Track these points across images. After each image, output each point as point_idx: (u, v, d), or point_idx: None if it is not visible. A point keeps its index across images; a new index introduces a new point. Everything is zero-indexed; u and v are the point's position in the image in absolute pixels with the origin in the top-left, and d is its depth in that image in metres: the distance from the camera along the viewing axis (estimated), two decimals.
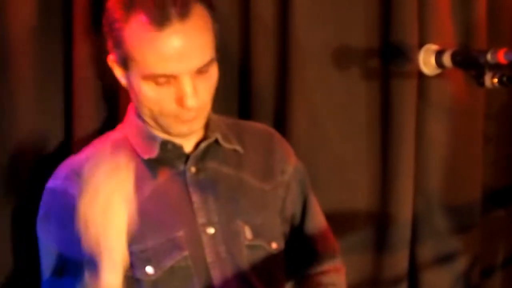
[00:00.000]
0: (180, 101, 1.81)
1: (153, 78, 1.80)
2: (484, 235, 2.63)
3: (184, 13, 1.77)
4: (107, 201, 1.63)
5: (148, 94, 1.83)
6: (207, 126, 1.94)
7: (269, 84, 2.37)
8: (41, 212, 1.90)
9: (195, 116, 1.86)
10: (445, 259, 2.56)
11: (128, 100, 2.11)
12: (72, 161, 1.92)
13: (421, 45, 2.17)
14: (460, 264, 2.57)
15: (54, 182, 1.90)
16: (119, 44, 1.82)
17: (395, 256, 2.50)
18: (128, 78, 1.86)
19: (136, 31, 1.79)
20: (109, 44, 1.87)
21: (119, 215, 1.64)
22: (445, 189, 2.55)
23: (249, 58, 2.34)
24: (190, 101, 1.80)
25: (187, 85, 1.80)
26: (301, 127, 2.35)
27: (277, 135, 2.09)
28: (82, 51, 2.18)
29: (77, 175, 1.85)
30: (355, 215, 2.48)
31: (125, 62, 1.84)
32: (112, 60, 1.88)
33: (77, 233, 1.71)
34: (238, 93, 2.36)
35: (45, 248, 1.88)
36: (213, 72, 1.86)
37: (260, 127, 2.10)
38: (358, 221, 2.48)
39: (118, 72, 1.89)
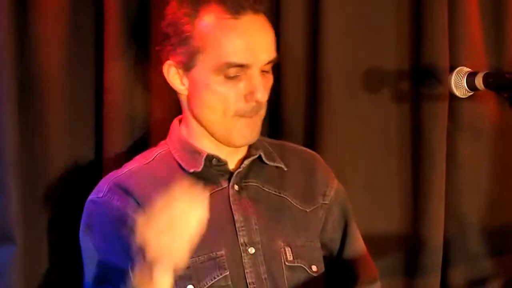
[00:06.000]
0: (248, 96, 1.84)
1: (225, 70, 1.83)
2: None
3: (256, 6, 1.86)
4: (184, 212, 1.59)
5: (216, 89, 1.85)
6: (250, 144, 1.95)
7: (300, 106, 2.38)
8: (83, 223, 1.91)
9: (257, 117, 1.89)
10: (477, 283, 2.54)
11: (158, 122, 2.13)
12: (115, 175, 1.93)
13: (452, 67, 2.17)
14: None
15: (96, 195, 1.91)
16: (186, 40, 1.86)
17: (426, 280, 2.48)
18: (191, 77, 1.88)
19: (210, 21, 1.84)
20: (169, 47, 1.89)
21: (190, 227, 1.61)
22: (477, 212, 2.53)
23: (279, 81, 2.34)
24: (260, 94, 1.85)
25: (258, 78, 1.85)
26: (331, 150, 2.34)
27: (319, 158, 2.10)
28: (112, 74, 2.20)
29: (120, 188, 1.87)
30: (386, 238, 2.46)
31: (192, 59, 1.86)
32: (170, 65, 1.90)
33: (120, 242, 1.75)
34: (268, 117, 2.35)
35: (88, 258, 1.89)
36: (271, 77, 1.92)
37: (303, 149, 2.12)
38: (389, 245, 2.47)
39: (175, 77, 1.91)
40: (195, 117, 1.92)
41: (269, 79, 1.91)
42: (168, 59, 1.90)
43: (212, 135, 1.91)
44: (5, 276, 2.15)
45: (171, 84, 1.93)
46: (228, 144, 1.91)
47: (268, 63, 1.88)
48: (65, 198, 2.21)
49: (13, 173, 2.13)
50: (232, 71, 1.84)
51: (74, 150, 2.23)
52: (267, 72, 1.89)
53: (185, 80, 1.90)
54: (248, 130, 1.88)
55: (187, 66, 1.88)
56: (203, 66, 1.86)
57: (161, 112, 2.21)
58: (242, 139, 1.89)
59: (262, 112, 1.91)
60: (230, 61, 1.83)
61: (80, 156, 2.24)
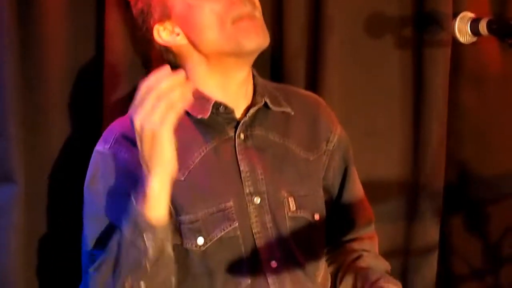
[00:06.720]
0: None
1: None
2: None
3: None
4: (163, 112, 1.60)
5: (200, 4, 1.84)
6: (254, 91, 1.95)
7: (302, 52, 2.37)
8: (89, 175, 1.90)
9: (257, 20, 1.87)
10: (476, 228, 2.56)
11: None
12: (120, 124, 1.92)
13: (455, 13, 2.16)
14: (492, 234, 2.57)
15: (103, 146, 1.90)
16: None
17: (426, 226, 2.51)
18: (177, 19, 1.88)
19: None
20: (148, 19, 1.91)
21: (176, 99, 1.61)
22: (478, 158, 2.55)
23: (281, 26, 2.34)
24: None
25: None
26: (333, 95, 2.34)
27: (323, 103, 2.09)
28: (113, 20, 2.19)
29: (127, 139, 1.85)
30: (387, 183, 2.48)
31: (165, 5, 1.88)
32: (157, 29, 1.90)
33: (125, 196, 1.73)
34: (270, 63, 2.36)
35: (90, 214, 1.87)
36: None
37: (307, 94, 2.12)
38: (390, 190, 2.49)
39: (168, 34, 1.91)
40: (204, 52, 1.89)
41: None
42: (153, 27, 1.91)
43: (226, 56, 1.88)
44: (6, 216, 2.16)
45: (170, 45, 1.92)
46: (241, 52, 1.87)
47: None
48: (65, 139, 2.22)
49: (14, 114, 2.13)
50: None
51: (75, 95, 2.23)
52: None
53: (176, 28, 1.90)
54: (253, 32, 1.85)
55: (166, 14, 1.89)
56: (179, 2, 1.87)
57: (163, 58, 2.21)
58: (251, 42, 1.86)
59: (259, 15, 1.89)
60: None
61: (81, 101, 2.24)
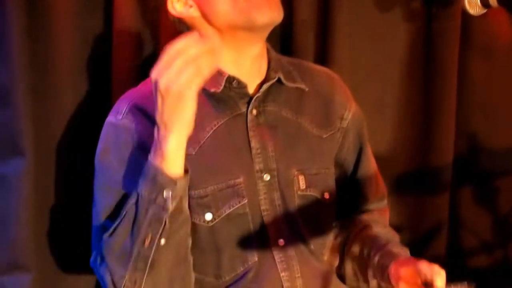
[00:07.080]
0: None
1: None
2: None
3: None
4: (191, 75, 1.62)
5: None
6: (268, 66, 1.94)
7: (311, 25, 2.37)
8: (100, 146, 1.89)
9: None
10: (485, 201, 2.56)
11: (168, 36, 2.13)
12: (133, 95, 1.90)
13: None
14: (501, 207, 2.56)
15: (115, 117, 1.88)
16: None
17: (436, 198, 2.51)
18: None
19: None
20: None
21: (194, 89, 1.63)
22: (487, 130, 2.55)
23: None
24: None
25: None
26: (343, 69, 2.34)
27: (338, 79, 2.07)
28: None
29: (139, 110, 1.85)
30: (396, 156, 2.48)
31: None
32: (171, 1, 1.89)
33: (137, 168, 1.74)
34: (280, 36, 2.36)
35: (104, 184, 1.86)
36: None
37: (322, 70, 2.09)
38: (399, 162, 2.49)
39: (181, 6, 1.89)
40: (216, 25, 1.87)
41: None
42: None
43: (239, 30, 1.85)
44: (15, 188, 2.17)
45: (183, 16, 1.90)
46: (254, 26, 1.84)
47: None
48: (74, 111, 2.23)
49: (22, 85, 2.13)
50: None
51: (84, 66, 2.23)
52: None
53: (189, 0, 1.88)
54: (265, 6, 1.83)
55: None
56: None
57: (171, 26, 2.20)
58: (264, 16, 1.83)
59: None
60: None
61: (90, 72, 2.24)
